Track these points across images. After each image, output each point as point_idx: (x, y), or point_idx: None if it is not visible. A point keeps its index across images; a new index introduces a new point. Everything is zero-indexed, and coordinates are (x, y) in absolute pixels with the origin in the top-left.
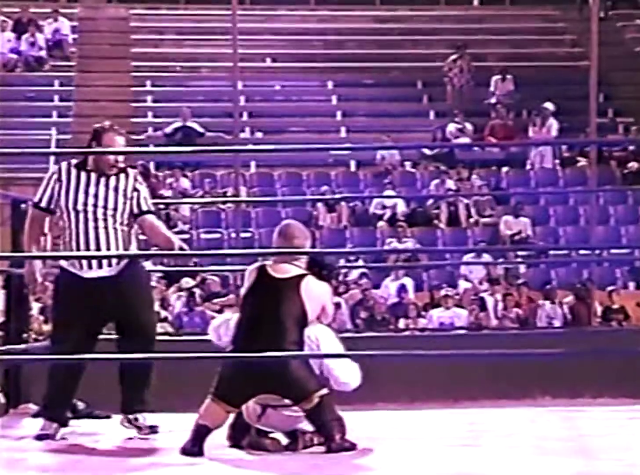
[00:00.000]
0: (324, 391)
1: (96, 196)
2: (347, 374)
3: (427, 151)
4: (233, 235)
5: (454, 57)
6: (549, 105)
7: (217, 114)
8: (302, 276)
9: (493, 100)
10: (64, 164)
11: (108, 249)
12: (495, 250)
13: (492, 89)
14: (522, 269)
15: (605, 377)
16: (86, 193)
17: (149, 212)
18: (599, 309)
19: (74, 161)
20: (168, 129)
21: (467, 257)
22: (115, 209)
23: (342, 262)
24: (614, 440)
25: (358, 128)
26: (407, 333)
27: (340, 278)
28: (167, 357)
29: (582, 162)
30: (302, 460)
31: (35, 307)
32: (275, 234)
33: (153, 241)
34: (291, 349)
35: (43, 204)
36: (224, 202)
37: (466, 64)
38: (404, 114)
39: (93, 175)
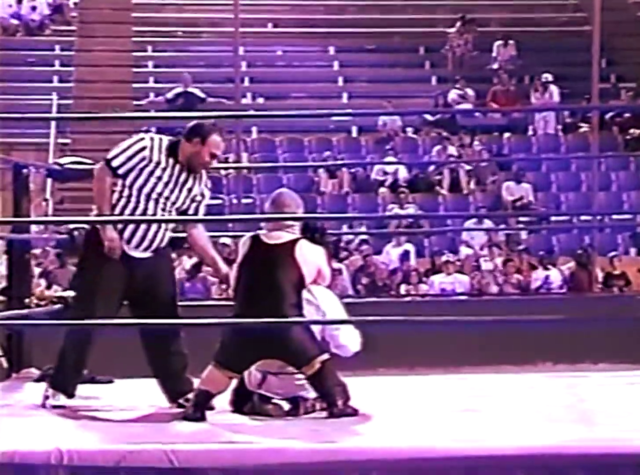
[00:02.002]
0: (325, 356)
1: (172, 191)
2: (348, 337)
3: (428, 117)
4: (234, 201)
5: (460, 29)
6: (548, 76)
7: (218, 80)
8: (295, 240)
9: (495, 66)
10: (156, 142)
11: (163, 237)
12: (496, 216)
13: (494, 54)
14: (524, 235)
15: (606, 343)
16: (166, 185)
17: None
18: (600, 275)
19: (165, 141)
20: (169, 95)
21: (469, 223)
22: (179, 208)
23: (344, 228)
24: (615, 406)
25: (359, 94)
26: (408, 299)
27: (342, 244)
28: (169, 323)
29: (584, 128)
30: (303, 426)
31: (37, 272)
32: (267, 203)
33: (197, 252)
34: (291, 312)
35: (121, 171)
36: (225, 168)
37: (472, 36)
38: (406, 79)
39: (177, 167)
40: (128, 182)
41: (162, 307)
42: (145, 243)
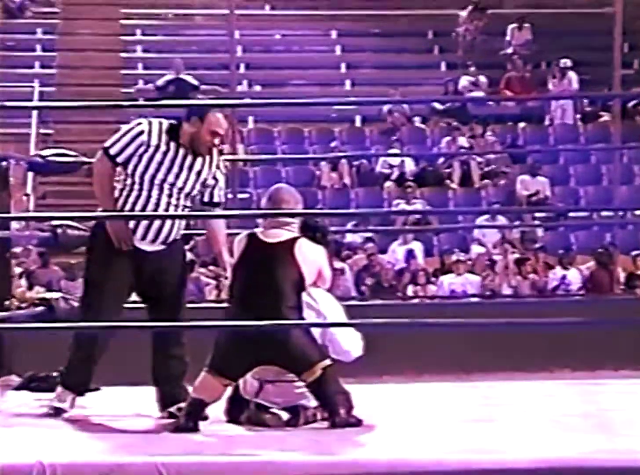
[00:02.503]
0: (327, 362)
1: (177, 176)
2: (349, 341)
3: (438, 106)
4: (229, 196)
5: (470, 16)
6: (567, 62)
7: (212, 66)
8: (295, 239)
9: (509, 50)
10: (155, 126)
11: (171, 228)
12: (510, 212)
13: (508, 38)
14: (540, 232)
15: (628, 348)
16: (169, 170)
17: (218, 204)
18: (622, 275)
19: (165, 123)
20: (160, 82)
21: (481, 220)
22: (188, 194)
23: (348, 225)
24: (637, 415)
25: (364, 81)
26: (415, 301)
27: (345, 241)
28: (160, 326)
29: (605, 117)
30: (303, 436)
31: (17, 272)
32: (264, 199)
33: (209, 240)
34: (290, 314)
35: (120, 159)
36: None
37: (483, 24)
38: (413, 65)
39: (181, 151)
40: (130, 170)
41: (167, 308)
42: (151, 234)
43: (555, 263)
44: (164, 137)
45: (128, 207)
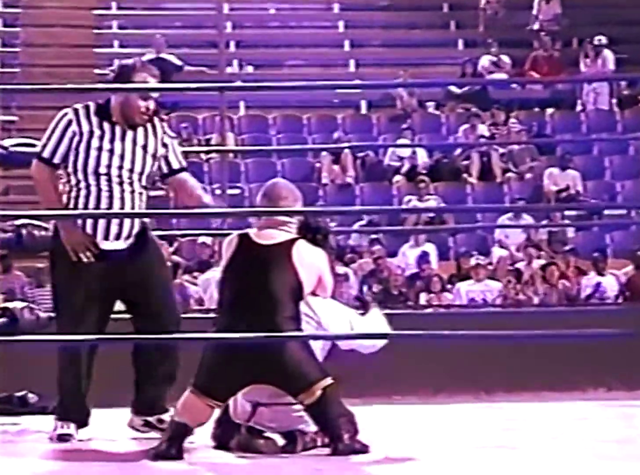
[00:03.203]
0: (328, 381)
1: (122, 157)
2: (369, 340)
3: (454, 89)
4: (218, 191)
5: None
6: (601, 39)
7: (198, 44)
8: (292, 241)
9: (536, 26)
10: (81, 111)
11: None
12: (537, 210)
13: (534, 12)
14: (570, 232)
15: None
16: (111, 152)
17: (181, 169)
18: None
19: (92, 106)
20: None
21: (503, 219)
22: (141, 173)
23: (356, 225)
24: None
25: (370, 61)
26: (429, 310)
27: (349, 243)
28: (141, 338)
29: None
30: (301, 464)
31: None
32: (259, 195)
33: (184, 202)
34: (287, 326)
35: (56, 160)
36: (207, 152)
37: None
38: (427, 43)
39: (118, 129)
40: (70, 168)
41: (156, 310)
42: (114, 230)
43: (588, 268)
44: (94, 120)
45: (80, 208)
